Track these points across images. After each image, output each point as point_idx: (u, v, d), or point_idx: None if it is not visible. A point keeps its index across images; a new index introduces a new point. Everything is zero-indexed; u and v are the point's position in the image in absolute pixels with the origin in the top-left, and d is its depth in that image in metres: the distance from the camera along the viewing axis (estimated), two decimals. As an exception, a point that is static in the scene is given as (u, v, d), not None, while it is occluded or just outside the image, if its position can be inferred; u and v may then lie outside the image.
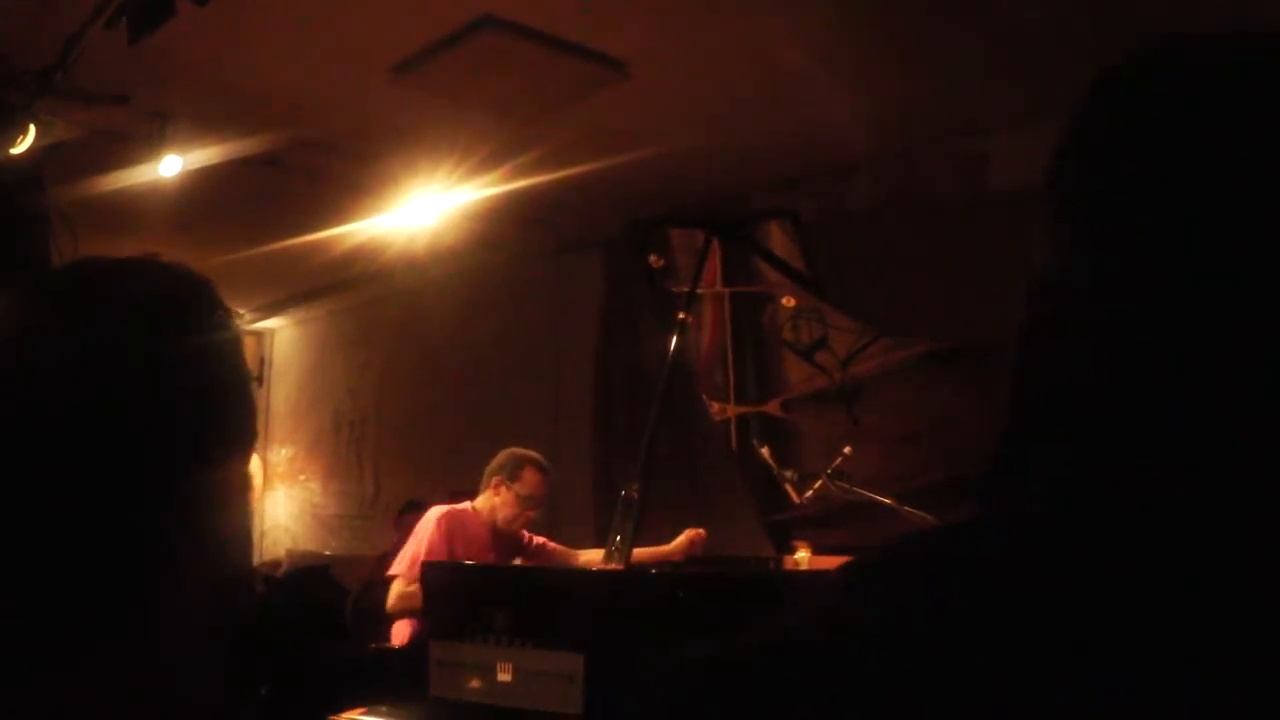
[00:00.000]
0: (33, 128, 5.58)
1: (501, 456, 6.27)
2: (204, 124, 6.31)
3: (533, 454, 6.28)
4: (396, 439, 10.14)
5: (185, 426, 1.12)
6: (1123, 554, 0.73)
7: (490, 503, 6.18)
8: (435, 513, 6.22)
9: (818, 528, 5.31)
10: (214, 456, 1.15)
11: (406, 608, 5.93)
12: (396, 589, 6.11)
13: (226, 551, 1.17)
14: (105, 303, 1.14)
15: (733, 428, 5.65)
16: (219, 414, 1.17)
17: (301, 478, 11.08)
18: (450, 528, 6.11)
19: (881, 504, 4.80)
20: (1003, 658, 0.71)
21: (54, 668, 1.04)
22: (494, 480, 6.19)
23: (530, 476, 6.18)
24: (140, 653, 1.08)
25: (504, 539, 6.19)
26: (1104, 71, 0.85)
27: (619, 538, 4.06)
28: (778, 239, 5.36)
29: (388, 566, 6.43)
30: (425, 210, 7.51)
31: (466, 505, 6.27)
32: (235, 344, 1.22)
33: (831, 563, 4.73)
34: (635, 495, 4.11)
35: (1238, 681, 0.68)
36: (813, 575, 4.72)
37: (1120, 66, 0.84)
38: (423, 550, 6.00)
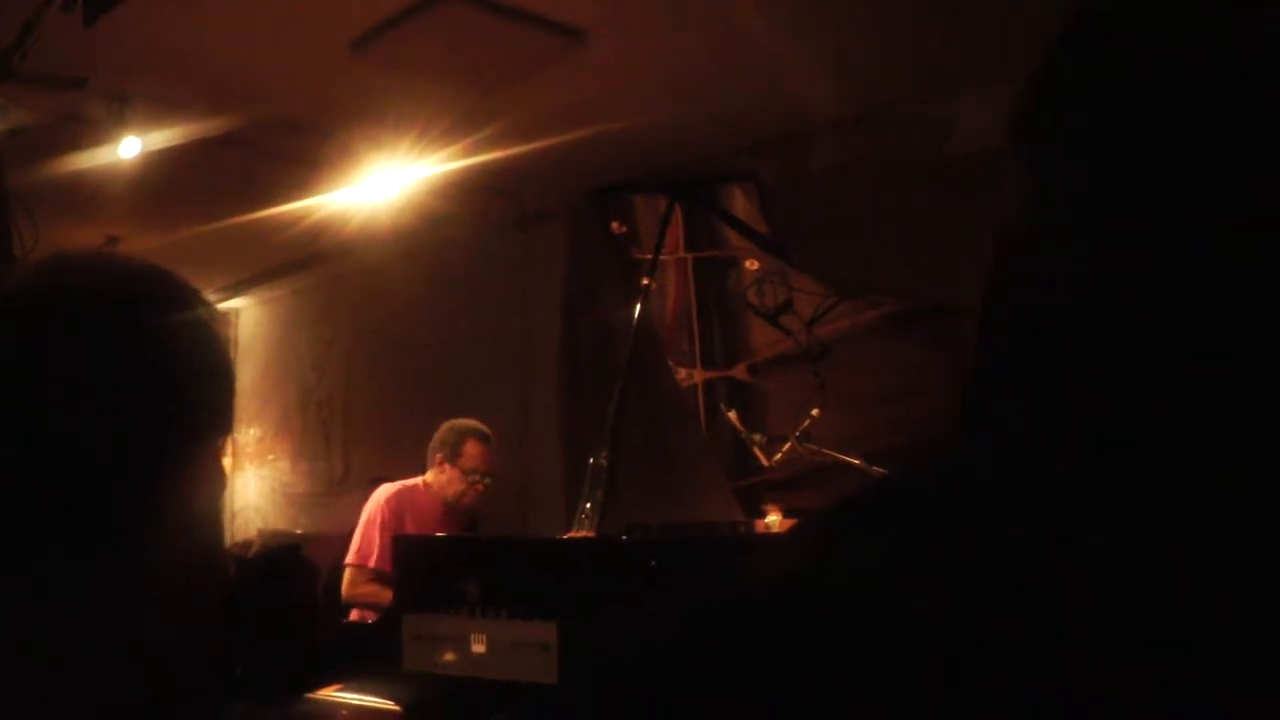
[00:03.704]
0: (-10, 112, 5.54)
1: (440, 433, 6.28)
2: (163, 105, 6.26)
3: (470, 424, 6.29)
4: (364, 416, 10.11)
5: (155, 409, 1.13)
6: (1071, 519, 0.74)
7: (439, 480, 6.20)
8: (382, 493, 6.24)
9: (787, 490, 5.33)
10: (184, 439, 1.16)
11: (360, 601, 5.95)
12: (348, 578, 6.13)
13: (195, 532, 1.17)
14: (77, 292, 1.15)
15: (700, 393, 5.66)
16: (190, 399, 1.18)
17: (270, 457, 11.03)
18: (399, 507, 6.14)
19: (850, 465, 4.82)
20: (955, 613, 0.72)
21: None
22: (437, 458, 6.22)
23: (471, 449, 6.19)
24: (94, 617, 1.09)
25: (457, 514, 6.21)
26: (1074, 18, 0.84)
27: (589, 505, 4.07)
28: (740, 203, 5.37)
29: (358, 545, 6.44)
30: (387, 185, 7.47)
31: (417, 481, 6.28)
32: (208, 331, 1.23)
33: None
34: (604, 463, 4.12)
35: (1190, 652, 0.69)
36: (779, 538, 4.72)
37: (1092, 12, 0.84)
38: (375, 535, 6.03)
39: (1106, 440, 0.76)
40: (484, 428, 6.32)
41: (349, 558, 6.15)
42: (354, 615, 6.09)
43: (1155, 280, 0.75)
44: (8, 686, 1.04)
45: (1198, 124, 0.75)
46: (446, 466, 6.19)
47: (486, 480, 6.25)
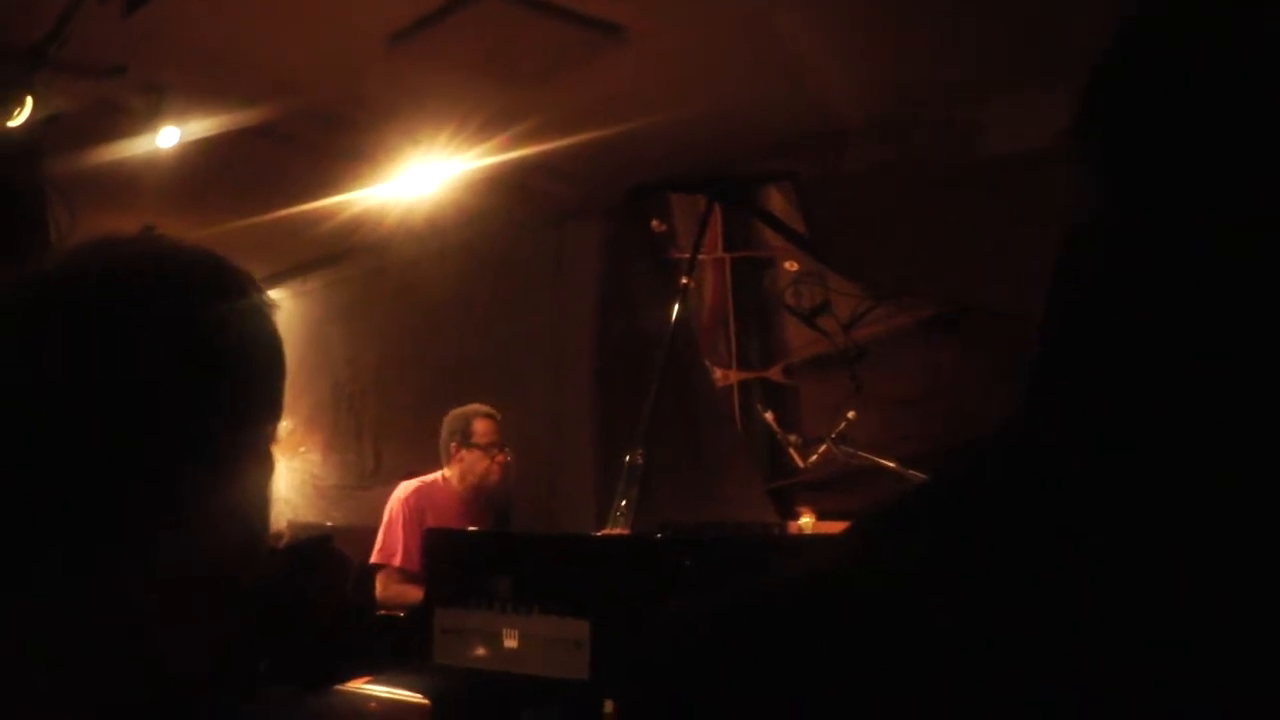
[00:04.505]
0: (29, 100, 5.56)
1: (447, 424, 6.38)
2: (201, 95, 6.28)
3: (473, 406, 6.41)
4: (396, 409, 10.14)
5: (206, 396, 1.13)
6: (1075, 519, 0.74)
7: (459, 469, 6.24)
8: (401, 491, 6.28)
9: (821, 492, 5.32)
10: (237, 425, 1.16)
11: (394, 603, 5.97)
12: (380, 582, 6.16)
13: (245, 519, 1.17)
14: (127, 275, 1.15)
15: (735, 393, 5.66)
16: (243, 385, 1.18)
17: (302, 450, 11.06)
18: (419, 504, 6.17)
19: (885, 468, 4.81)
20: (994, 617, 0.72)
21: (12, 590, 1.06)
22: (451, 447, 6.30)
23: (481, 426, 6.28)
24: (114, 600, 1.08)
25: (478, 507, 6.24)
26: (1129, 18, 0.84)
27: (623, 503, 4.06)
28: (778, 203, 5.36)
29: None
30: (423, 180, 7.49)
31: (436, 476, 6.32)
32: (260, 317, 1.23)
33: (835, 528, 4.74)
34: (639, 461, 4.12)
35: (1190, 652, 0.69)
36: (818, 539, 4.72)
37: (1146, 14, 0.83)
38: (399, 533, 6.05)
39: (1109, 440, 0.76)
40: (487, 407, 6.38)
41: (374, 557, 6.19)
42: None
43: (1157, 280, 0.75)
44: (8, 686, 1.04)
45: (1201, 125, 0.75)
46: (463, 452, 6.25)
47: (506, 452, 6.30)
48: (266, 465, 1.21)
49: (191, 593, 1.12)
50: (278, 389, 1.23)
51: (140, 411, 1.08)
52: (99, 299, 1.12)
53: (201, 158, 6.84)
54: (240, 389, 1.17)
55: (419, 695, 3.58)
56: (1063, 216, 0.85)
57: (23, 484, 1.05)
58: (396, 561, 6.04)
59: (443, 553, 4.05)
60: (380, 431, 10.37)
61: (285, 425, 10.78)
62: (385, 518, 6.23)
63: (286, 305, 11.18)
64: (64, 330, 1.09)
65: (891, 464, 4.78)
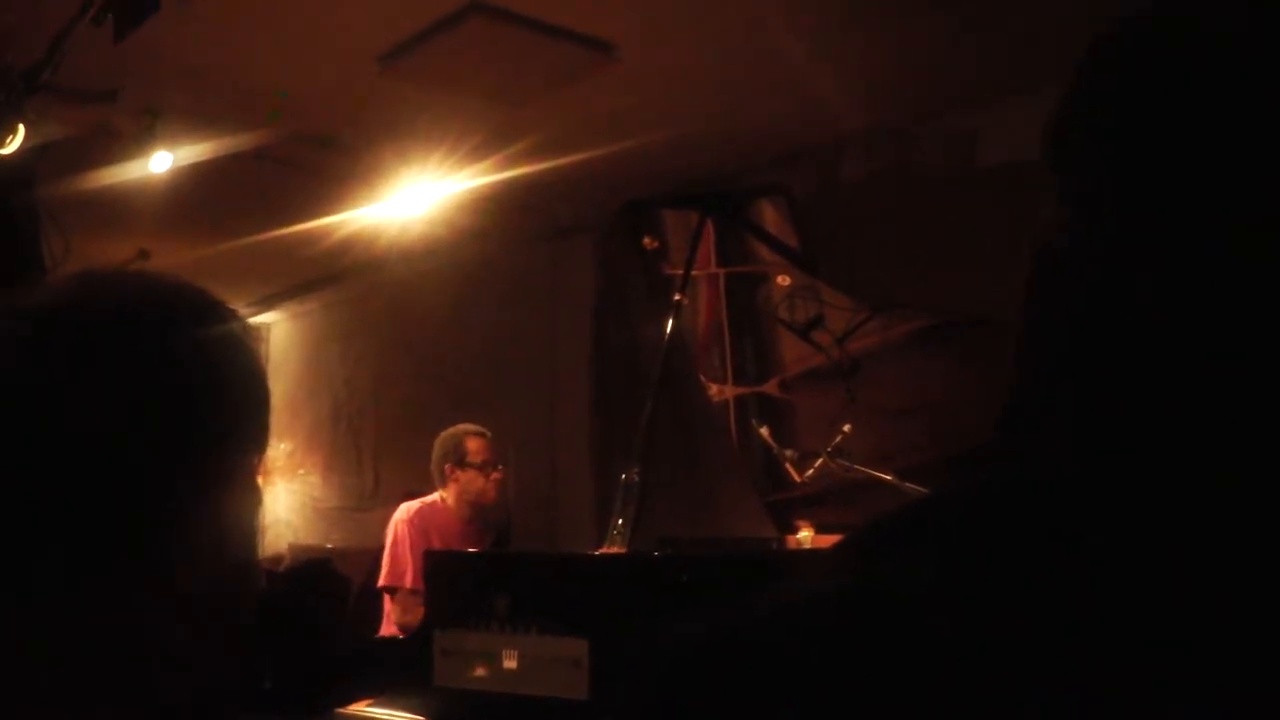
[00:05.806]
0: (21, 127, 5.55)
1: (438, 447, 6.37)
2: (194, 119, 6.29)
3: (463, 426, 6.42)
4: (394, 429, 10.13)
5: (180, 425, 1.14)
6: (1119, 532, 0.73)
7: (455, 489, 6.24)
8: (403, 513, 6.27)
9: (819, 507, 5.30)
10: (210, 453, 1.16)
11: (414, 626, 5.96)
12: (399, 606, 6.12)
13: (226, 547, 1.18)
14: (106, 308, 1.17)
15: (731, 409, 5.64)
16: (219, 414, 1.19)
17: (301, 471, 11.06)
18: (423, 525, 6.17)
19: (883, 481, 4.79)
20: (999, 635, 0.72)
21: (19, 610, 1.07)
22: (445, 469, 6.29)
23: (474, 445, 6.30)
24: (114, 600, 1.10)
25: (478, 528, 6.24)
26: (1109, 28, 0.84)
27: (620, 521, 4.05)
28: (770, 217, 5.35)
29: (388, 559, 6.43)
30: (417, 200, 7.49)
31: (435, 498, 6.31)
32: (238, 346, 1.24)
33: (834, 541, 4.72)
34: (635, 479, 4.10)
35: (1190, 653, 0.69)
36: (816, 554, 4.71)
37: (1127, 23, 0.83)
38: (406, 554, 6.04)
39: (1113, 441, 0.76)
40: (477, 426, 6.39)
41: (383, 580, 6.16)
42: (385, 630, 6.10)
43: (1169, 281, 0.75)
44: (8, 686, 1.05)
45: (1207, 126, 0.75)
46: (458, 471, 6.25)
47: (500, 468, 6.31)
48: (250, 495, 1.22)
49: (191, 596, 1.14)
50: (258, 417, 1.24)
51: (132, 423, 1.10)
52: (99, 324, 1.14)
53: (196, 181, 6.84)
54: (214, 419, 1.18)
55: (420, 717, 3.57)
56: (1048, 214, 0.85)
57: (25, 485, 1.07)
58: (408, 583, 6.01)
59: (441, 574, 4.04)
60: (380, 451, 10.36)
61: (284, 447, 10.82)
62: (389, 539, 6.21)
63: (284, 327, 11.20)
64: (64, 353, 1.11)
65: (889, 476, 4.77)
